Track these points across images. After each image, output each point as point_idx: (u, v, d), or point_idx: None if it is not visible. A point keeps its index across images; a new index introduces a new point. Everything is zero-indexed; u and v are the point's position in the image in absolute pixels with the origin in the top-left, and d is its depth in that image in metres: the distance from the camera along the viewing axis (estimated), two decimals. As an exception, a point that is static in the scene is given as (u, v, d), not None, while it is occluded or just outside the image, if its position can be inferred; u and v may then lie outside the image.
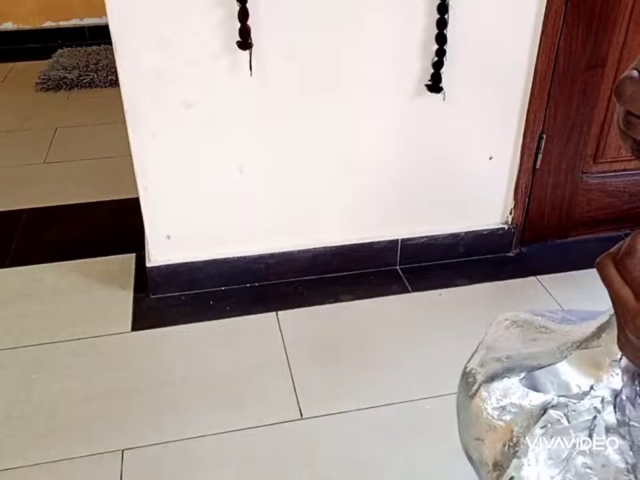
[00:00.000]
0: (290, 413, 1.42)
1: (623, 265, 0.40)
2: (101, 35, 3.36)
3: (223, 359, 1.57)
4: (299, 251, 1.79)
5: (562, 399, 0.45)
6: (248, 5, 1.40)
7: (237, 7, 1.40)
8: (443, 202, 1.82)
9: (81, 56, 3.40)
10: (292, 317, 1.70)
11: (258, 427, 1.39)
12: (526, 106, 1.71)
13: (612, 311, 0.44)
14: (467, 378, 0.51)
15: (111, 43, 1.44)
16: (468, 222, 1.87)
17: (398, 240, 1.84)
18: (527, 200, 1.87)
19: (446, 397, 1.44)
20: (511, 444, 0.46)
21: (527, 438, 0.45)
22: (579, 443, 0.44)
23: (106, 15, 1.40)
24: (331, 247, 1.80)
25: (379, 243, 1.83)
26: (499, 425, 0.47)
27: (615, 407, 0.44)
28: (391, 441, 1.36)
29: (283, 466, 1.32)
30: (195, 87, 1.51)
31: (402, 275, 1.85)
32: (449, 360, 1.53)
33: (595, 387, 0.45)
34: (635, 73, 0.40)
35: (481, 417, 0.48)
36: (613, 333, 0.43)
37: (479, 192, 1.84)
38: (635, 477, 0.44)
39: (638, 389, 0.45)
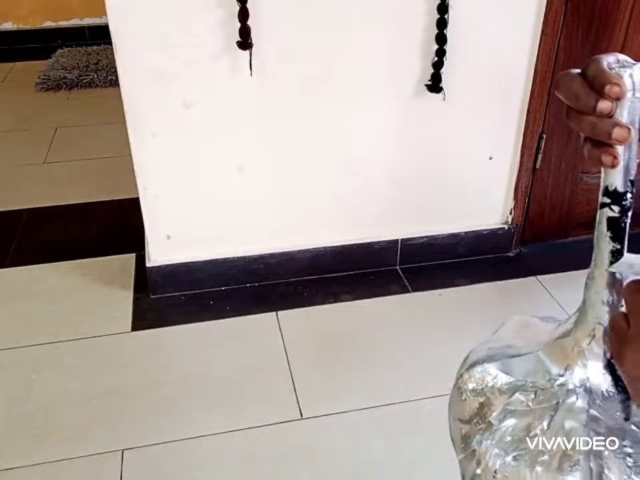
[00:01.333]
0: (290, 413, 1.42)
1: None
2: (101, 35, 3.35)
3: (223, 358, 1.57)
4: (298, 251, 1.79)
5: (531, 384, 0.49)
6: (248, 5, 1.40)
7: (237, 7, 1.40)
8: (443, 202, 1.82)
9: (81, 56, 3.40)
10: (292, 317, 1.70)
11: (258, 427, 1.39)
12: (526, 106, 1.71)
13: (583, 309, 0.48)
14: (461, 364, 0.56)
15: (111, 43, 1.44)
16: (468, 222, 1.87)
17: (398, 240, 1.84)
18: (526, 200, 1.87)
19: (446, 397, 1.42)
20: (479, 421, 0.50)
21: (493, 415, 0.50)
22: (540, 426, 0.48)
23: (106, 14, 1.40)
24: (330, 247, 1.80)
25: (378, 243, 1.83)
26: (473, 405, 0.51)
27: (577, 396, 0.47)
28: (391, 441, 1.36)
29: (282, 466, 1.32)
30: (195, 86, 1.51)
31: (402, 275, 1.85)
32: (449, 360, 1.53)
33: (562, 375, 0.48)
34: (574, 70, 0.43)
35: (461, 398, 0.53)
36: (584, 327, 0.48)
37: (479, 192, 1.84)
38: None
39: (605, 380, 0.48)
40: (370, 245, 1.82)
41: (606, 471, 0.45)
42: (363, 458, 1.33)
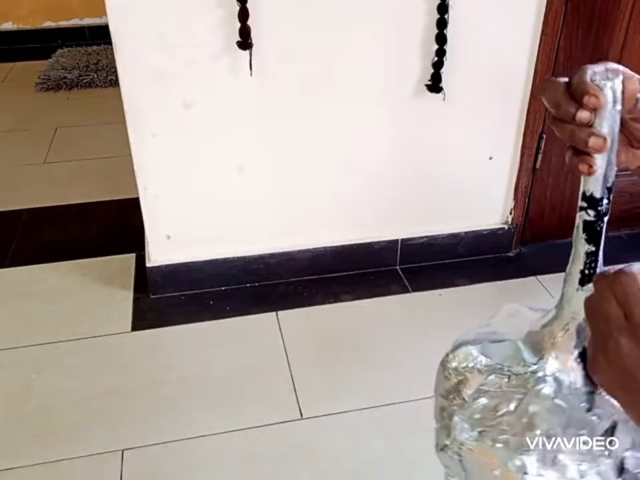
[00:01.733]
0: (290, 413, 1.42)
1: (619, 281, 0.41)
2: (101, 35, 3.35)
3: (223, 359, 1.57)
4: (298, 251, 1.79)
5: (507, 369, 0.52)
6: (248, 5, 1.40)
7: (237, 7, 1.40)
8: (443, 202, 1.82)
9: (81, 56, 3.40)
10: (292, 317, 1.70)
11: (258, 427, 1.39)
12: (526, 106, 1.71)
13: (561, 304, 0.50)
14: (451, 345, 0.60)
15: (111, 43, 1.44)
16: (468, 222, 1.87)
17: (398, 240, 1.84)
18: (526, 200, 1.87)
19: (446, 396, 1.43)
20: (455, 397, 0.55)
21: (468, 393, 0.53)
22: (507, 408, 0.51)
23: (106, 14, 1.40)
24: (331, 247, 1.80)
25: (378, 243, 1.83)
26: (452, 382, 0.55)
27: (545, 384, 0.50)
28: (391, 441, 1.36)
29: (282, 466, 1.32)
30: (195, 86, 1.51)
31: (402, 275, 1.85)
32: (449, 360, 1.54)
33: (536, 364, 0.51)
34: (561, 78, 0.45)
35: (444, 375, 0.57)
36: (560, 320, 0.50)
37: (479, 192, 1.84)
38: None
39: (574, 372, 0.50)
40: (370, 244, 1.82)
41: (560, 455, 0.48)
42: (362, 458, 1.33)
